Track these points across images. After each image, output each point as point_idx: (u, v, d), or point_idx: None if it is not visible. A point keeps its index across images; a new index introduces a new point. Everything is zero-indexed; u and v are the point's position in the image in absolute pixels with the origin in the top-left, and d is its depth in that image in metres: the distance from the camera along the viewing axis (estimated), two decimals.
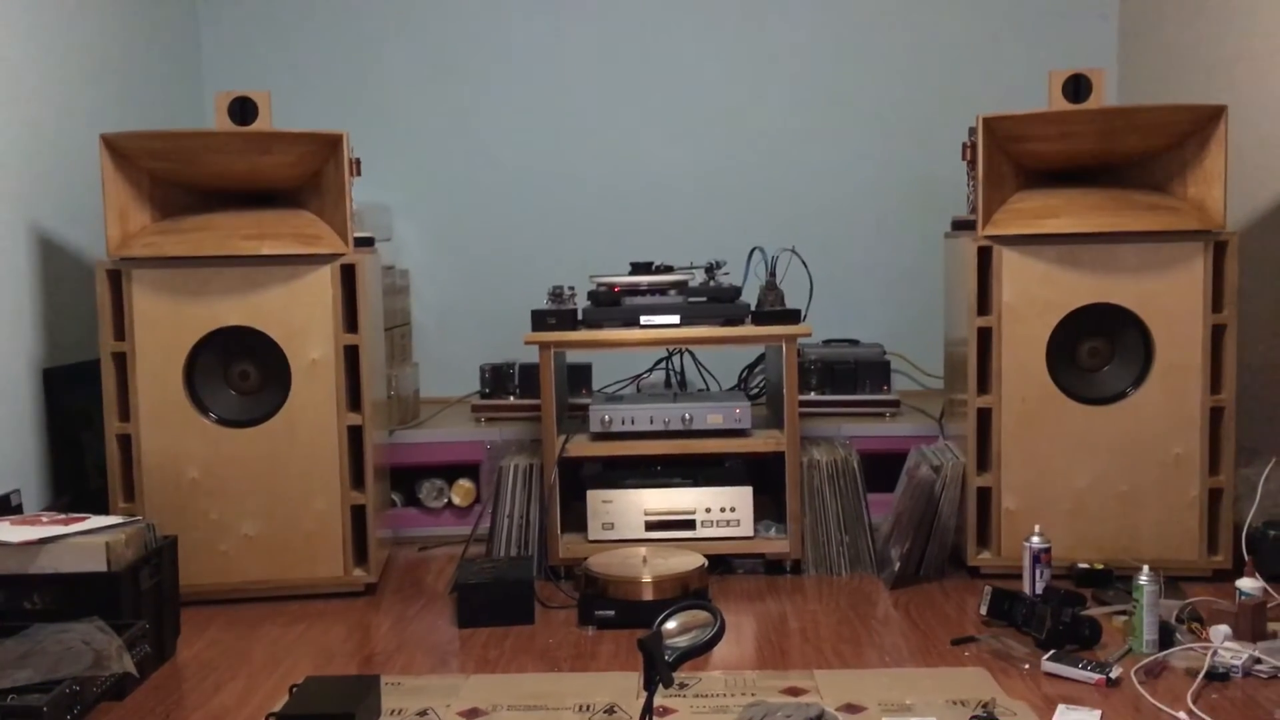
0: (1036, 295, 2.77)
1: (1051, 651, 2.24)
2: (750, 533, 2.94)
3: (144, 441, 2.75)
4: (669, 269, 3.09)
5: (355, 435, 2.81)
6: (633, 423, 2.96)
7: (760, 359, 3.71)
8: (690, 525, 2.93)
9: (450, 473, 3.36)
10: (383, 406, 3.12)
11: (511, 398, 3.48)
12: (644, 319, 2.95)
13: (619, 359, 3.69)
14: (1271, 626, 2.36)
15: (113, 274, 2.73)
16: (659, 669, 1.69)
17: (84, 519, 2.41)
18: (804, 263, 3.32)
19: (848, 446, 3.08)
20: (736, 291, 3.02)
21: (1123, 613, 2.44)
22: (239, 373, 2.81)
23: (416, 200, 3.95)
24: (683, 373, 3.71)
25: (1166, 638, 2.29)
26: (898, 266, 3.91)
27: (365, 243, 2.96)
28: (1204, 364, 2.74)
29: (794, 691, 2.15)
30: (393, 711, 2.11)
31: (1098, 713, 2.00)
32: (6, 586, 2.26)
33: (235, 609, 2.75)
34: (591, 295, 3.04)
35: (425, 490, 3.36)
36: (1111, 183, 2.84)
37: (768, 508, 3.02)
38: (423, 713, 2.11)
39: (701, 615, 1.79)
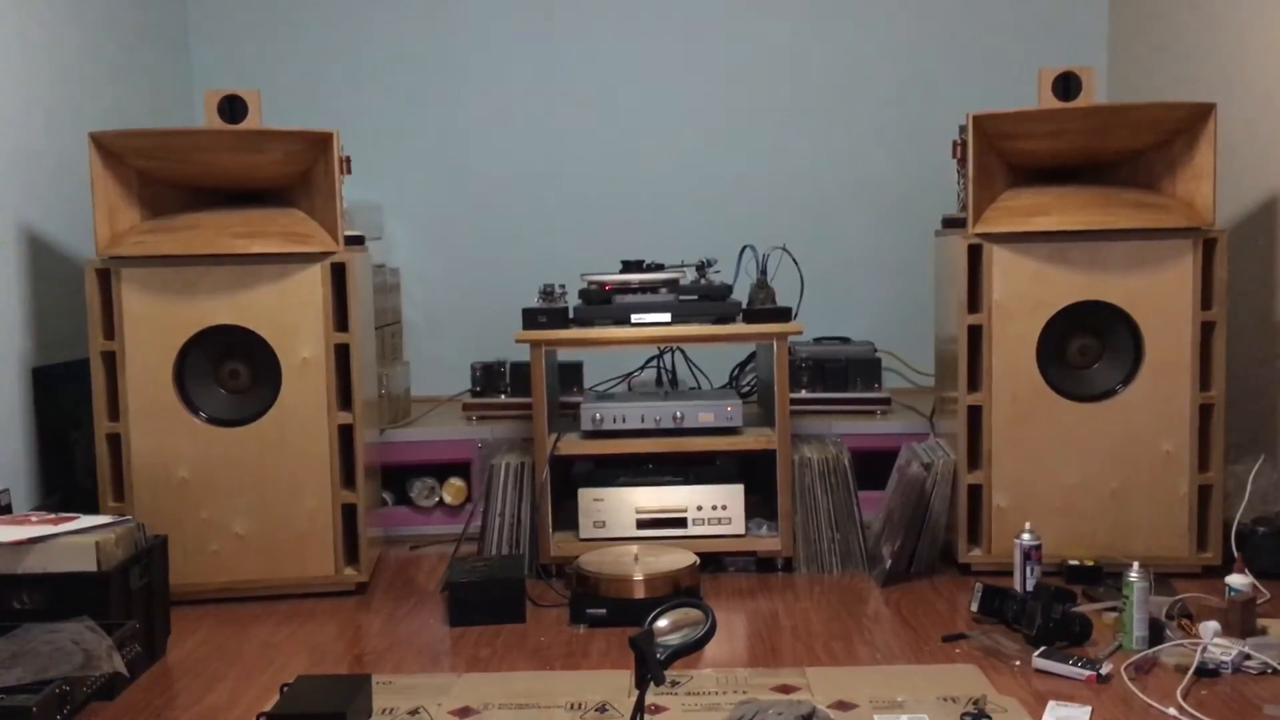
0: (1026, 293, 2.78)
1: (1042, 648, 2.25)
2: (742, 530, 2.94)
3: (134, 441, 2.74)
4: (660, 267, 3.08)
5: (346, 434, 2.81)
6: (624, 421, 2.96)
7: (751, 357, 3.71)
8: (682, 523, 2.93)
9: (441, 471, 3.35)
10: (373, 405, 3.11)
11: (503, 396, 3.48)
12: (635, 317, 2.95)
13: (610, 357, 3.69)
14: (1260, 623, 2.37)
15: (102, 273, 2.72)
16: (651, 667, 1.69)
17: (74, 518, 2.40)
18: (795, 261, 3.33)
19: (839, 444, 3.08)
20: (727, 290, 3.02)
21: (1113, 609, 2.44)
22: (229, 371, 2.81)
23: (407, 198, 3.94)
24: (674, 371, 3.71)
25: (1156, 634, 2.30)
26: (888, 264, 3.91)
27: (356, 241, 2.95)
28: (1193, 361, 2.75)
29: (785, 689, 2.16)
30: (384, 710, 2.11)
31: (1088, 709, 2.00)
32: None
33: (226, 608, 2.74)
34: (582, 293, 3.04)
35: (416, 489, 3.35)
36: (1101, 180, 2.85)
37: (759, 506, 3.02)
38: (414, 711, 2.10)
39: (693, 613, 1.79)
